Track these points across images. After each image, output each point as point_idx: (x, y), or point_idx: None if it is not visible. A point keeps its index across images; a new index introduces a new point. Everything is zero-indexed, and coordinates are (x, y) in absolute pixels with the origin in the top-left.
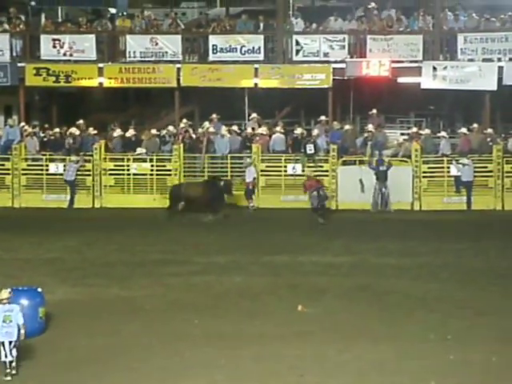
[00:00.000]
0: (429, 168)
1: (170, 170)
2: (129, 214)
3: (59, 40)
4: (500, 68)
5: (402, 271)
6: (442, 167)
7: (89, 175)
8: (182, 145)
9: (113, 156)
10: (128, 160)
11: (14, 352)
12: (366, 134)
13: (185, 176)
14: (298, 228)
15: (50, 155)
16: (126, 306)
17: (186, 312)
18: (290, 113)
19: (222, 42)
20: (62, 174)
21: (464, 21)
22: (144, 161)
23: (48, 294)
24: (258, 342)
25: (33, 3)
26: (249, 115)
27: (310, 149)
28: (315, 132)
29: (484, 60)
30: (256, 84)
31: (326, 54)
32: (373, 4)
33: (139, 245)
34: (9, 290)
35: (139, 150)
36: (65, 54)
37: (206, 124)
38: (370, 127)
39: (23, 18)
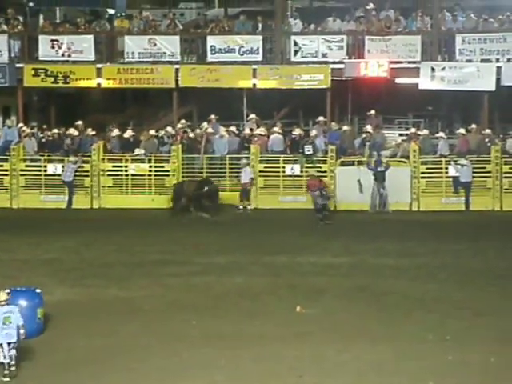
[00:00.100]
0: (427, 169)
1: (168, 171)
2: (127, 214)
3: (57, 41)
4: (498, 68)
5: (401, 272)
6: (441, 168)
7: (87, 176)
8: (180, 145)
9: (111, 157)
10: (126, 161)
11: (13, 352)
12: (364, 135)
13: (183, 177)
14: (297, 228)
15: (48, 156)
16: (124, 307)
17: (186, 312)
18: (288, 113)
19: (220, 42)
20: (60, 175)
21: (462, 21)
22: (142, 161)
23: (46, 294)
24: (257, 343)
25: (31, 4)
26: (247, 116)
27: (308, 149)
28: (313, 133)
29: (482, 61)
30: (254, 85)
31: (324, 55)
32: (371, 5)
33: (138, 245)
34: (7, 291)
35: (137, 151)
36: (63, 55)
37: (205, 125)
38: (369, 128)
39: (21, 18)
